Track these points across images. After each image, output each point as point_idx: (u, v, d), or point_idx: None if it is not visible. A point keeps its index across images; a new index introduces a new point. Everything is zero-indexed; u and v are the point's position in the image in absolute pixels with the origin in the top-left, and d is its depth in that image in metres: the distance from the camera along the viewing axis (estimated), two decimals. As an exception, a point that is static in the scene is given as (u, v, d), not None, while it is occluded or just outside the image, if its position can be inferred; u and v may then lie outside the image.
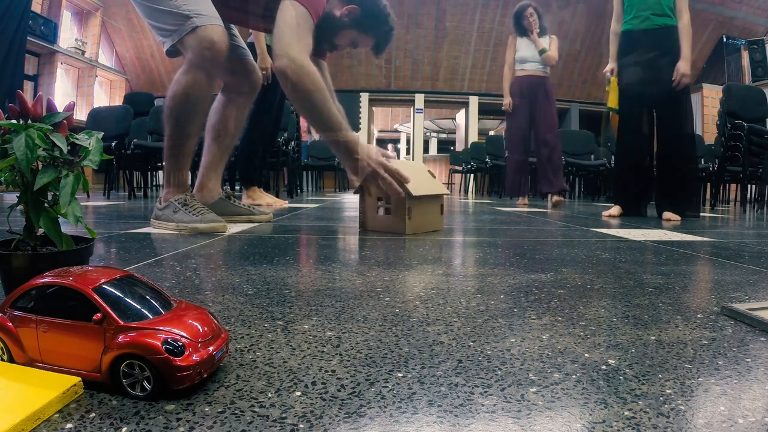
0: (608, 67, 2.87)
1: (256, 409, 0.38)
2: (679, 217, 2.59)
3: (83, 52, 7.45)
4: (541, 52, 3.83)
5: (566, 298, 0.77)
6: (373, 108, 10.31)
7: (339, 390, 0.42)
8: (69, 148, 0.60)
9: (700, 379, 0.45)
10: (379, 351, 0.52)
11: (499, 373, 0.46)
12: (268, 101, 3.13)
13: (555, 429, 0.36)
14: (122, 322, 0.40)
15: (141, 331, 0.40)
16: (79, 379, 0.39)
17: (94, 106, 5.89)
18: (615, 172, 3.18)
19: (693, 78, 8.79)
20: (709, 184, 5.12)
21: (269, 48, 3.01)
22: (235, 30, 1.97)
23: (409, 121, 10.39)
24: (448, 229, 1.82)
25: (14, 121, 0.59)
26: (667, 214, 2.62)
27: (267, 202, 3.14)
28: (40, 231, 0.63)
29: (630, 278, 0.94)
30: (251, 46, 3.01)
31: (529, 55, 3.89)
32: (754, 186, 4.81)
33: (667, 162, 2.71)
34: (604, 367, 0.48)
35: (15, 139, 0.56)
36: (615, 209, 2.90)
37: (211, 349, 0.42)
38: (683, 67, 2.54)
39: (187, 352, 0.39)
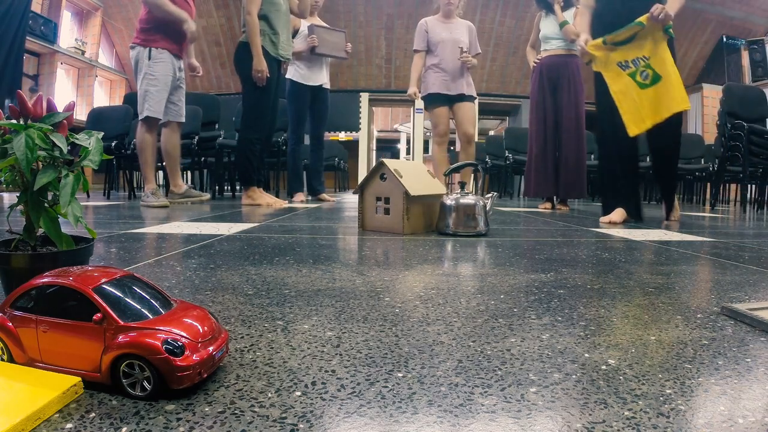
0: (582, 37, 2.42)
1: (256, 409, 0.38)
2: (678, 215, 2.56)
3: (83, 52, 7.45)
4: (562, 25, 3.28)
5: (566, 298, 0.77)
6: (373, 108, 10.30)
7: (339, 390, 0.42)
8: (69, 148, 0.60)
9: (700, 379, 0.45)
10: (379, 351, 0.52)
11: (499, 373, 0.46)
12: (264, 102, 3.13)
13: (555, 429, 0.36)
14: (122, 322, 0.40)
15: (141, 331, 0.40)
16: (79, 379, 0.39)
17: (94, 106, 5.89)
18: (604, 171, 2.57)
19: (692, 77, 8.82)
20: (709, 184, 5.12)
21: (265, 50, 3.00)
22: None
23: (409, 121, 10.39)
24: (448, 229, 1.82)
25: (14, 121, 0.59)
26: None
27: (267, 202, 3.14)
28: (40, 231, 0.63)
29: (630, 278, 0.94)
30: (245, 45, 3.00)
31: (551, 31, 3.38)
32: (754, 186, 4.81)
33: (662, 155, 2.42)
34: (604, 367, 0.48)
35: (15, 139, 0.56)
36: (616, 215, 2.32)
37: (211, 349, 0.42)
38: (669, 6, 2.12)
39: (187, 352, 0.39)
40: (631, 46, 2.23)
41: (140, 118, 3.05)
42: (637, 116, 2.24)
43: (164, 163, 3.36)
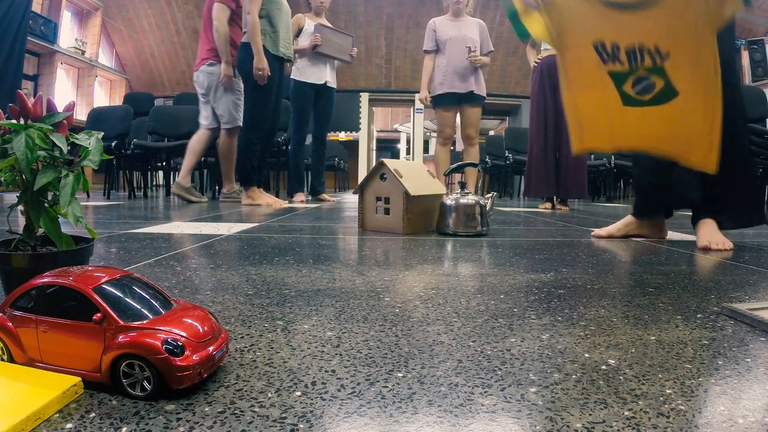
0: None
1: (256, 409, 0.38)
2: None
3: (83, 52, 7.45)
4: None
5: (566, 298, 0.77)
6: (373, 108, 10.30)
7: (339, 390, 0.42)
8: (69, 148, 0.60)
9: (700, 379, 0.45)
10: (379, 351, 0.52)
11: (499, 373, 0.46)
12: (265, 102, 3.13)
13: (555, 429, 0.36)
14: (122, 322, 0.40)
15: (141, 331, 0.40)
16: (79, 379, 0.39)
17: (94, 106, 5.89)
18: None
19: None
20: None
21: (265, 49, 3.01)
22: None
23: (409, 121, 10.39)
24: (448, 229, 1.82)
25: (14, 121, 0.59)
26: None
27: (267, 202, 3.14)
28: (40, 231, 0.63)
29: (630, 278, 0.94)
30: (247, 45, 3.00)
31: None
32: (754, 186, 4.79)
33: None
34: (604, 367, 0.48)
35: (15, 139, 0.56)
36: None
37: (211, 349, 0.42)
38: None
39: (187, 352, 0.39)
40: (635, 18, 1.08)
41: (232, 126, 3.37)
42: (598, 130, 1.29)
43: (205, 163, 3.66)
